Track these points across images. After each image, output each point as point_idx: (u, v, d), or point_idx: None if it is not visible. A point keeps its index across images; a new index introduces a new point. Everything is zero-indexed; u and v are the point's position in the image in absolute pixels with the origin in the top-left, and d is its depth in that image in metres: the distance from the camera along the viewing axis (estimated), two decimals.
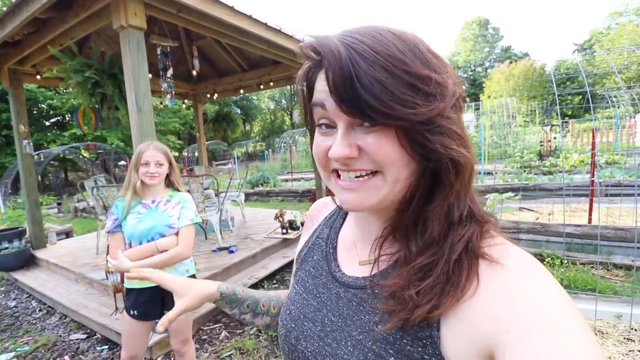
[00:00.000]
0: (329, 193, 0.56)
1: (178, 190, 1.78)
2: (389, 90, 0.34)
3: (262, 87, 6.29)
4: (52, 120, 16.76)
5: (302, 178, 11.96)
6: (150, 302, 1.65)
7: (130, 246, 1.63)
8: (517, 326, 0.32)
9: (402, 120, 0.35)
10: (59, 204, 9.51)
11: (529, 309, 0.32)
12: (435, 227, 0.39)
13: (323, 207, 0.66)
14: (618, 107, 10.78)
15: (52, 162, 14.41)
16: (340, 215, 0.60)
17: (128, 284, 1.68)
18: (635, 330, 2.22)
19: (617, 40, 25.35)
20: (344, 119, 0.39)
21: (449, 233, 0.40)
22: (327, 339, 0.46)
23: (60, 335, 2.84)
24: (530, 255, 0.38)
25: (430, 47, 0.39)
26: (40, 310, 3.33)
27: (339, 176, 0.42)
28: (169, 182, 1.76)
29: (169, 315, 0.58)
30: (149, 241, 1.61)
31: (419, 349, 0.37)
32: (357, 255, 0.51)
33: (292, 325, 0.52)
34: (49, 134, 15.19)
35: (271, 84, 6.15)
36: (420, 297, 0.37)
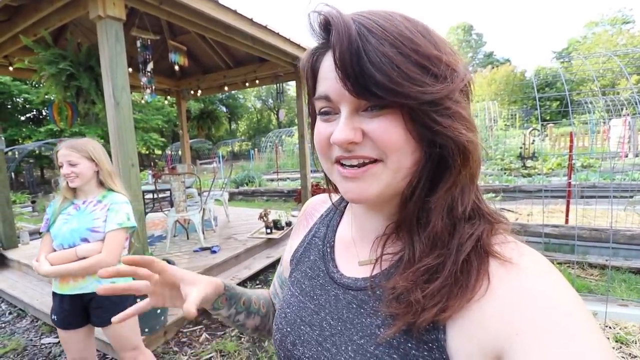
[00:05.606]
0: (326, 190, 0.53)
1: (114, 191, 1.63)
2: (397, 66, 0.33)
3: (247, 84, 6.21)
4: (27, 115, 16.12)
5: (288, 178, 11.91)
6: (69, 311, 1.56)
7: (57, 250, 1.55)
8: (528, 329, 0.30)
9: (410, 99, 0.34)
10: (33, 202, 9.12)
11: (541, 311, 0.30)
12: (438, 222, 0.37)
13: (319, 205, 0.63)
14: (593, 113, 11.22)
15: (26, 158, 13.83)
16: (337, 213, 0.57)
17: (53, 288, 1.59)
18: (610, 327, 2.29)
19: (593, 48, 26.44)
20: (349, 102, 0.37)
21: (455, 231, 0.37)
22: (325, 344, 0.44)
23: (31, 340, 2.71)
24: (542, 256, 0.36)
25: (441, 35, 0.39)
26: (10, 314, 3.17)
27: (342, 165, 0.40)
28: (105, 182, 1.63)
29: (192, 300, 0.46)
30: (70, 245, 1.51)
31: (425, 353, 0.35)
32: (356, 255, 0.48)
33: (288, 329, 0.49)
34: (24, 129, 14.61)
35: (257, 81, 6.07)
36: (427, 300, 0.35)
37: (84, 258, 1.49)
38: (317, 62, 0.41)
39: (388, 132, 0.36)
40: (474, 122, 0.38)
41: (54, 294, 1.58)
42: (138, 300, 0.54)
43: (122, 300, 1.60)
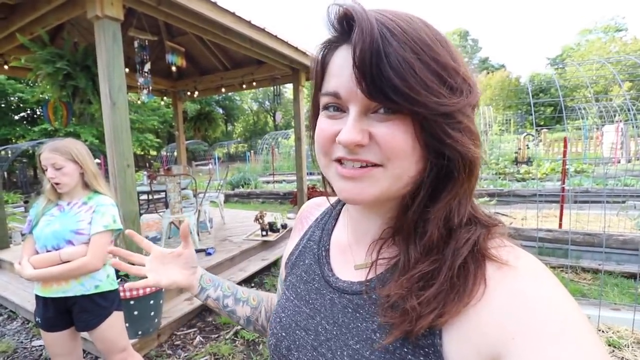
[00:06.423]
0: (323, 192, 0.53)
1: (100, 193, 1.59)
2: (416, 73, 0.32)
3: (244, 86, 6.21)
4: (21, 114, 15.97)
5: (284, 180, 11.90)
6: (53, 313, 1.54)
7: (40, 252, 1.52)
8: (524, 334, 0.30)
9: (426, 108, 0.33)
10: (25, 202, 9.01)
11: (538, 315, 0.30)
12: (435, 232, 0.37)
13: (314, 208, 0.63)
14: (586, 119, 11.38)
15: (19, 158, 13.68)
16: (332, 216, 0.57)
17: (35, 290, 1.56)
18: (603, 331, 2.31)
19: (587, 55, 26.85)
20: (359, 101, 0.36)
21: (451, 238, 0.37)
22: (321, 349, 0.43)
23: (22, 342, 2.67)
24: (538, 259, 0.36)
25: (455, 47, 0.38)
26: (0, 315, 3.12)
27: (341, 164, 0.39)
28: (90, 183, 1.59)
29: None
30: (54, 247, 1.48)
31: (421, 358, 0.35)
32: (352, 259, 0.48)
33: (283, 334, 0.49)
34: (17, 128, 14.48)
35: (254, 83, 6.07)
36: (423, 308, 0.35)
37: (67, 261, 1.45)
38: (327, 56, 0.40)
39: (396, 137, 0.35)
40: (480, 136, 0.38)
41: (37, 296, 1.55)
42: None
43: (108, 304, 1.56)
